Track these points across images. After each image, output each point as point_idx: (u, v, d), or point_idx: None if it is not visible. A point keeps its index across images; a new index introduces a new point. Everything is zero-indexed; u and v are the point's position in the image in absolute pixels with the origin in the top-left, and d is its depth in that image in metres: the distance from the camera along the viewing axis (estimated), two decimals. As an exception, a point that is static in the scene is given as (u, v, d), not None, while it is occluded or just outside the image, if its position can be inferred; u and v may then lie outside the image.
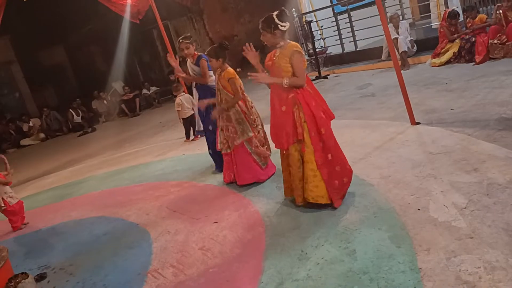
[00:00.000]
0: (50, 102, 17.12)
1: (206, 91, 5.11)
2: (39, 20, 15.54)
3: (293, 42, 3.47)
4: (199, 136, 7.22)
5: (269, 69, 3.58)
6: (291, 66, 3.37)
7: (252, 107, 4.45)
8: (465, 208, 2.95)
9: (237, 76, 4.41)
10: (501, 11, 7.06)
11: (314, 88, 3.54)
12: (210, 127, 5.07)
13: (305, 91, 3.42)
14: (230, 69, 4.41)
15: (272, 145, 3.88)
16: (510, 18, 7.02)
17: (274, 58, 3.47)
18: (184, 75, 5.22)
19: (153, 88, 14.44)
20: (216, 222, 3.80)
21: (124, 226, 4.38)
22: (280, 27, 3.36)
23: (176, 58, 5.69)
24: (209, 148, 5.27)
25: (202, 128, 5.52)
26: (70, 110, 13.52)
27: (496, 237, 2.55)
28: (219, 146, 4.62)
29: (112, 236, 4.21)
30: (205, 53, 4.47)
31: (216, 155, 5.11)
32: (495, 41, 7.02)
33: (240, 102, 4.37)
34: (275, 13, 3.38)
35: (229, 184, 4.64)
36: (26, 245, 4.68)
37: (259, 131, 4.48)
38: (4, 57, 15.80)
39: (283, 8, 3.45)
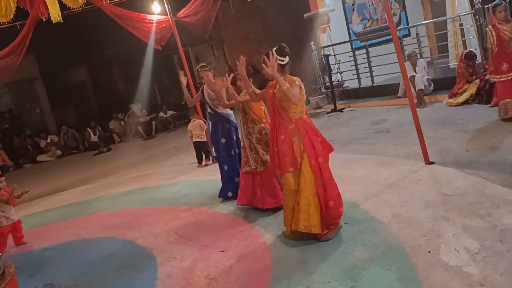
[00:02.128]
0: (70, 120, 17.41)
1: (218, 118, 5.23)
2: (65, 40, 15.98)
3: (295, 77, 3.60)
4: (209, 160, 7.32)
5: (267, 100, 3.72)
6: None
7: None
8: (477, 253, 2.88)
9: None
10: (489, 28, 5.83)
11: (310, 121, 3.68)
12: (219, 154, 5.22)
13: (304, 121, 3.57)
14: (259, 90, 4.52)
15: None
16: (507, 33, 5.60)
17: (275, 90, 3.61)
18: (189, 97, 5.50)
19: (170, 112, 14.63)
20: (223, 251, 3.78)
21: (131, 249, 4.38)
22: (278, 61, 3.51)
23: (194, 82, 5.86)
24: (222, 175, 5.28)
25: (215, 154, 5.59)
26: (88, 129, 13.74)
27: (509, 286, 2.48)
28: (245, 167, 4.61)
29: (119, 258, 4.21)
30: (237, 72, 4.54)
31: (225, 183, 5.15)
32: (503, 78, 5.76)
33: (266, 125, 4.44)
34: (274, 48, 3.55)
35: (242, 206, 4.63)
36: (33, 261, 4.70)
37: None
38: (29, 73, 16.22)
39: (282, 44, 3.61)
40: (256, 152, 4.48)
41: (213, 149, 5.68)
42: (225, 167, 5.17)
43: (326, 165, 3.60)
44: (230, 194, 5.13)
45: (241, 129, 4.65)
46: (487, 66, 7.53)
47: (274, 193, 4.45)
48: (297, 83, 3.50)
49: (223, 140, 5.16)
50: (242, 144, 4.67)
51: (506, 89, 5.80)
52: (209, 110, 5.39)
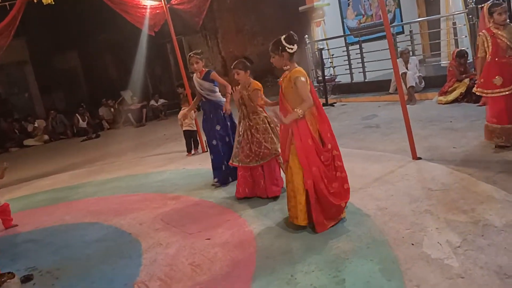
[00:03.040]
0: (58, 105, 17.24)
1: (211, 106, 5.24)
2: (56, 24, 15.82)
3: (298, 68, 3.56)
4: (198, 149, 7.37)
5: (280, 89, 3.70)
6: (296, 89, 3.48)
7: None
8: (459, 247, 2.92)
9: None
10: (483, 33, 4.76)
11: (322, 114, 3.61)
12: (214, 142, 5.17)
13: (302, 121, 3.49)
14: (256, 82, 4.54)
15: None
16: (504, 40, 4.61)
17: (283, 85, 3.62)
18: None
19: (161, 101, 14.56)
20: (209, 239, 3.78)
21: (116, 235, 4.36)
22: (288, 49, 3.51)
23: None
24: (213, 163, 5.29)
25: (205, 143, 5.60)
26: (77, 114, 13.61)
27: (488, 280, 2.52)
28: (231, 160, 4.63)
29: (103, 244, 4.19)
30: (233, 66, 4.56)
31: (219, 169, 5.16)
32: (494, 94, 4.70)
33: (267, 114, 4.50)
34: (283, 36, 3.54)
35: (242, 198, 4.61)
36: (16, 245, 4.66)
37: None
38: (18, 57, 16.00)
39: (291, 32, 3.58)
40: (258, 145, 4.44)
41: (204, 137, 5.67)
42: (222, 153, 5.16)
43: (317, 159, 3.52)
44: (230, 179, 5.21)
45: (239, 125, 4.63)
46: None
47: (277, 181, 4.51)
48: (302, 79, 3.46)
49: (218, 127, 5.16)
50: (238, 138, 4.62)
51: (498, 106, 4.70)
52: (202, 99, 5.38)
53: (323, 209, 3.53)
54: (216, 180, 5.25)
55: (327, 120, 3.63)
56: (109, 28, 15.23)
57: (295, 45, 3.55)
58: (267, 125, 4.48)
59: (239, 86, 4.56)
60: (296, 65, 3.60)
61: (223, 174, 5.22)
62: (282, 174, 4.41)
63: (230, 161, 4.69)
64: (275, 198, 4.45)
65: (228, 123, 5.23)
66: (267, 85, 3.97)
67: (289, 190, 3.64)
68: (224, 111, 5.16)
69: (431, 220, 3.38)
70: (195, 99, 5.68)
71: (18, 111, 16.01)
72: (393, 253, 2.99)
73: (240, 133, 4.59)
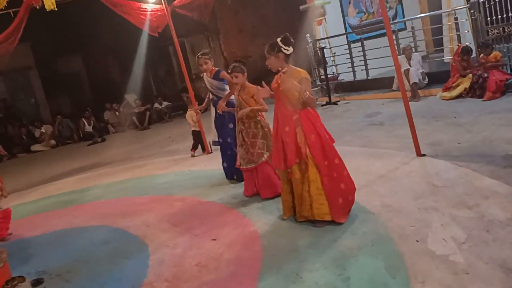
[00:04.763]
0: (64, 109, 17.33)
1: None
2: (59, 29, 15.91)
3: (302, 69, 3.60)
4: (195, 151, 7.47)
5: (274, 92, 3.74)
6: (300, 88, 3.52)
7: (268, 123, 4.58)
8: (463, 242, 2.93)
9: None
10: None
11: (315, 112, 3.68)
12: (229, 140, 5.26)
13: (309, 113, 3.57)
14: (252, 85, 4.58)
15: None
16: None
17: (280, 81, 3.63)
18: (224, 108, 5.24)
19: (165, 103, 14.62)
20: (215, 239, 3.81)
21: (123, 237, 4.41)
22: (283, 50, 3.56)
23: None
24: (223, 161, 5.42)
25: (217, 139, 5.66)
26: (83, 119, 13.69)
27: (492, 274, 2.54)
28: (238, 163, 4.72)
29: (111, 246, 4.23)
30: (231, 70, 4.63)
31: (233, 168, 5.19)
32: None
33: (261, 118, 4.55)
34: (279, 38, 3.58)
35: (251, 196, 4.67)
36: (26, 249, 4.71)
37: None
38: (24, 63, 16.08)
39: (287, 34, 3.63)
40: (248, 148, 4.51)
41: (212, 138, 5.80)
42: (235, 150, 5.17)
43: (333, 152, 3.62)
44: (235, 177, 5.30)
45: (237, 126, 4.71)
46: (483, 61, 7.57)
47: (271, 183, 4.52)
48: (305, 77, 3.53)
49: (230, 125, 5.20)
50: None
51: None
52: (211, 96, 5.54)
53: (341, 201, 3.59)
54: (235, 177, 5.32)
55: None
56: (112, 32, 15.33)
57: (291, 47, 3.59)
58: (259, 129, 4.50)
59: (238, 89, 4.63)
60: (294, 67, 3.64)
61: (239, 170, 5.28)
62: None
63: (237, 163, 4.78)
64: (270, 199, 4.49)
65: None
66: (268, 86, 4.08)
67: (314, 189, 3.56)
68: (220, 109, 5.18)
69: (435, 216, 3.40)
70: (206, 100, 5.82)
71: (24, 117, 16.10)
72: (398, 250, 3.01)
73: (238, 134, 4.69)
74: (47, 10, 6.64)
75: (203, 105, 6.08)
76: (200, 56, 5.42)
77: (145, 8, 7.56)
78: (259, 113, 4.56)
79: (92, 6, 8.88)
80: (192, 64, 14.74)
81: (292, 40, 3.61)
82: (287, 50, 3.56)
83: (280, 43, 3.55)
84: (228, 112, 5.21)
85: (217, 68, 5.47)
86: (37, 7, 6.86)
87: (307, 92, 3.47)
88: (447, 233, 3.10)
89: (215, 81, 5.38)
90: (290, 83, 3.55)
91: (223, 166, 5.50)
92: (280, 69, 3.64)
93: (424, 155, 4.91)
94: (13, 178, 9.03)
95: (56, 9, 6.64)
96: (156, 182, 6.30)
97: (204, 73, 5.49)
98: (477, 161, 4.39)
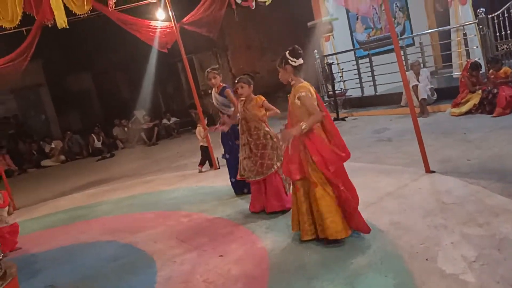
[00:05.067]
0: (74, 125, 17.52)
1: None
2: (70, 46, 16.18)
3: (303, 83, 3.58)
4: (202, 167, 7.50)
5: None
6: (302, 105, 3.52)
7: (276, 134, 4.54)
8: (474, 261, 2.89)
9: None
10: None
11: (332, 125, 3.63)
12: (227, 156, 5.40)
13: (313, 134, 3.51)
14: (259, 96, 4.62)
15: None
16: None
17: (290, 99, 3.65)
18: (224, 127, 5.35)
19: (173, 119, 14.72)
20: (222, 256, 3.80)
21: (131, 253, 4.40)
22: (291, 62, 3.55)
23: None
24: (231, 177, 5.46)
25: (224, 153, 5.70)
26: (92, 134, 13.81)
27: (505, 294, 2.49)
28: (239, 175, 4.73)
29: (119, 262, 4.23)
30: (237, 80, 4.69)
31: (241, 181, 5.16)
32: None
33: (270, 129, 4.56)
34: (288, 50, 3.58)
35: (257, 213, 4.63)
36: (34, 264, 4.72)
37: None
38: (35, 79, 16.34)
39: (296, 45, 3.61)
40: (257, 160, 4.51)
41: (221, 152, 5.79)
42: None
43: (340, 169, 3.59)
44: (245, 190, 5.29)
45: (240, 139, 4.73)
46: (492, 77, 7.54)
47: (279, 197, 4.50)
48: (304, 94, 3.48)
49: (237, 142, 5.20)
50: (240, 153, 4.76)
51: None
52: (220, 113, 5.58)
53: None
54: (245, 190, 5.32)
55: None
56: (121, 49, 15.55)
57: (300, 58, 3.57)
58: (268, 140, 4.52)
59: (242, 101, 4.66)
60: (302, 80, 3.63)
61: (239, 184, 5.35)
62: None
63: (239, 175, 4.76)
64: (277, 213, 4.46)
65: None
66: (277, 101, 4.03)
67: (322, 207, 3.49)
68: (221, 126, 5.28)
69: (445, 234, 3.35)
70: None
71: (35, 133, 16.30)
72: (408, 268, 2.97)
73: (242, 147, 4.69)
74: (59, 28, 6.77)
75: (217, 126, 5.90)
76: (209, 70, 5.51)
77: (155, 26, 7.69)
78: (265, 122, 4.57)
79: (102, 24, 9.07)
80: (201, 81, 14.86)
81: (300, 51, 3.60)
82: (295, 62, 3.55)
83: (287, 55, 3.56)
84: (233, 129, 5.24)
85: (224, 84, 5.53)
86: (49, 25, 7.01)
87: (302, 123, 3.43)
88: (457, 252, 3.06)
89: (220, 97, 5.46)
90: (294, 102, 3.56)
91: (231, 181, 5.51)
92: (290, 81, 3.65)
93: (433, 171, 4.87)
94: (23, 193, 9.09)
95: (68, 27, 6.77)
96: (164, 198, 6.30)
97: (213, 88, 5.56)
98: (487, 178, 4.34)
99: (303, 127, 3.43)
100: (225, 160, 5.71)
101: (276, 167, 4.47)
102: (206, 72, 5.54)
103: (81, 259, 4.54)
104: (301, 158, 3.57)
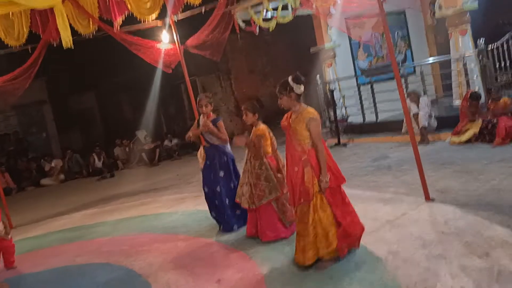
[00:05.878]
0: (75, 145, 17.54)
1: (215, 151, 5.13)
2: (74, 65, 16.38)
3: (310, 109, 3.63)
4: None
5: (284, 130, 3.77)
6: (308, 131, 3.55)
7: (284, 166, 4.40)
8: (473, 294, 2.85)
9: (268, 135, 4.54)
10: None
11: (327, 151, 3.70)
12: (218, 189, 5.06)
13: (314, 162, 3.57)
14: (262, 127, 4.55)
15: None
16: None
17: (290, 120, 3.66)
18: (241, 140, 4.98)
19: (175, 140, 14.73)
20: (219, 281, 3.75)
21: (126, 276, 4.35)
22: (295, 90, 3.58)
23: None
24: (211, 211, 5.26)
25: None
26: (93, 154, 13.80)
27: (504, 330, 2.44)
28: (237, 197, 4.70)
29: (114, 285, 4.18)
30: (243, 107, 4.64)
31: (222, 216, 5.09)
32: None
33: (269, 160, 4.49)
34: (291, 77, 3.60)
35: (255, 237, 4.60)
36: (27, 285, 4.66)
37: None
38: (37, 97, 16.46)
39: (297, 72, 3.65)
40: (252, 189, 4.49)
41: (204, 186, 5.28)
42: (226, 201, 5.04)
43: (338, 194, 3.66)
44: (235, 227, 5.05)
45: (245, 165, 4.70)
46: (491, 107, 7.58)
47: (273, 227, 4.46)
48: (316, 121, 3.57)
49: (221, 174, 5.08)
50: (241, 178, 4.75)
51: None
52: (204, 144, 5.22)
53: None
54: (235, 227, 5.06)
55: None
56: (125, 69, 15.72)
57: (303, 85, 3.61)
58: (263, 171, 4.44)
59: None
60: (305, 105, 3.66)
61: (227, 222, 5.08)
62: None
63: (236, 198, 4.72)
64: (271, 242, 4.42)
65: (232, 168, 5.15)
66: (278, 127, 4.03)
67: (321, 229, 3.60)
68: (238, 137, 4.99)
69: (444, 265, 3.31)
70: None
71: (35, 150, 16.30)
72: (406, 300, 2.92)
73: (243, 173, 4.69)
74: (64, 48, 6.86)
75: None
76: (202, 97, 5.13)
77: (159, 48, 7.79)
78: (267, 155, 4.52)
79: (107, 44, 9.18)
80: (197, 102, 14.95)
81: (303, 78, 3.64)
82: (299, 89, 3.59)
83: (291, 82, 3.58)
84: (219, 160, 5.09)
85: (216, 115, 5.17)
86: (55, 45, 7.11)
87: (323, 179, 3.53)
88: (456, 284, 3.02)
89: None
90: (299, 126, 3.57)
91: (212, 216, 5.27)
92: (292, 107, 3.67)
93: (432, 200, 4.84)
94: (20, 211, 9.04)
95: (73, 47, 6.85)
96: (161, 221, 6.26)
97: (201, 116, 5.19)
98: (486, 210, 4.31)
99: (327, 179, 3.53)
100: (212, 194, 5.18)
101: (265, 201, 4.41)
102: (198, 98, 5.17)
103: (75, 282, 4.49)
104: (305, 180, 3.56)
